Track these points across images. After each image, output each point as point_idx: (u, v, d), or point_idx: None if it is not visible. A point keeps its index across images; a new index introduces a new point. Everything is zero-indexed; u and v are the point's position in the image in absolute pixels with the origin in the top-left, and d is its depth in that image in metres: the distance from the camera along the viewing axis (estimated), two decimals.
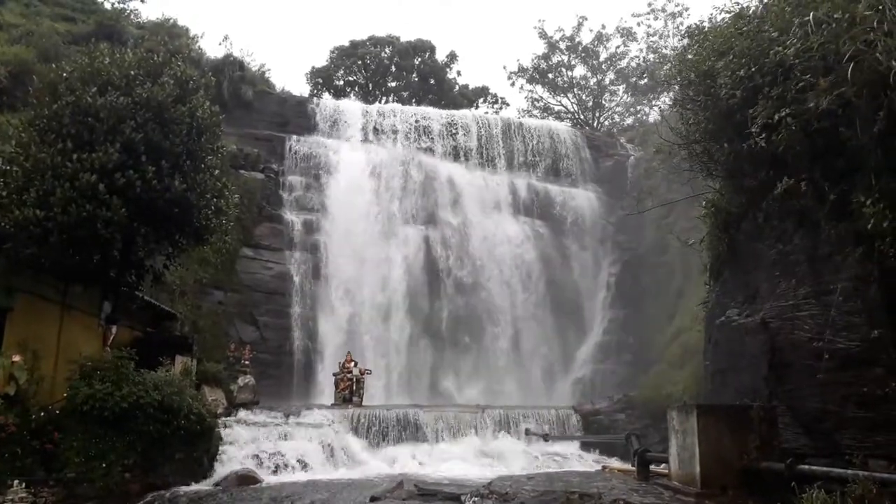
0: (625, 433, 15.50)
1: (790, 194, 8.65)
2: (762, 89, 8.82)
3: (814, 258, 8.82)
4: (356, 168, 30.15)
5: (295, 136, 30.86)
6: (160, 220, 13.83)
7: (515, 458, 17.76)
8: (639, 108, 46.76)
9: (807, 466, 7.03)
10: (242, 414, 18.08)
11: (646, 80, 43.19)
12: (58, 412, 12.40)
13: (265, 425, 17.08)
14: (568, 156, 35.03)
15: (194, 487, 12.75)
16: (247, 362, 21.39)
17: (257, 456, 15.12)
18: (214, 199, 14.54)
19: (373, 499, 10.73)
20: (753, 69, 9.06)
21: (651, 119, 41.17)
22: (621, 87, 47.78)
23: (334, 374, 22.48)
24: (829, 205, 8.11)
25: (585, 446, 19.95)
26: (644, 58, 44.40)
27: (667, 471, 8.86)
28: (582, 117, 48.19)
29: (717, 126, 10.44)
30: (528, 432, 19.95)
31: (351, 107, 34.74)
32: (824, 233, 8.39)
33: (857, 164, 7.90)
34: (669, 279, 27.78)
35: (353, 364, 22.30)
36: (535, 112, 48.86)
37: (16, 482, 11.11)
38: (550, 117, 47.18)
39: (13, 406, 11.78)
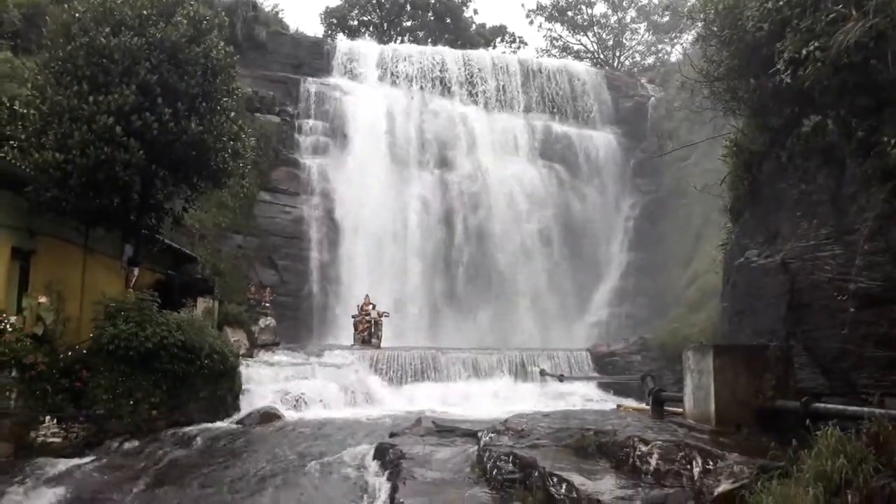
0: (640, 374, 15.66)
1: (816, 132, 8.44)
2: (790, 22, 8.50)
3: (837, 198, 8.67)
4: (372, 111, 29.87)
5: (310, 78, 30.55)
6: (178, 162, 13.87)
7: (531, 398, 18.05)
8: (660, 46, 45.67)
9: (822, 405, 7.05)
10: (264, 354, 18.50)
11: (668, 18, 41.95)
12: (85, 352, 12.72)
13: (287, 365, 17.48)
14: (587, 97, 34.39)
15: (219, 424, 13.14)
16: (267, 304, 21.75)
17: (280, 395, 15.49)
18: (231, 142, 14.51)
19: (392, 434, 11.01)
20: (782, 1, 8.72)
21: (673, 59, 40.23)
22: (642, 25, 46.55)
23: (353, 317, 22.80)
24: (855, 142, 7.91)
25: (600, 387, 20.23)
26: None
27: (681, 410, 8.95)
28: (602, 57, 47.10)
29: (742, 62, 10.12)
30: (543, 373, 20.22)
31: (366, 47, 34.19)
32: (849, 171, 8.21)
33: (886, 100, 7.67)
34: (688, 223, 27.56)
35: (371, 307, 22.58)
36: (554, 52, 47.86)
37: (48, 418, 11.54)
38: (570, 57, 46.17)
39: (41, 346, 12.12)
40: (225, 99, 14.51)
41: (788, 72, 8.47)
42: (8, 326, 11.77)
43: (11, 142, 12.69)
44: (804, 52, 8.10)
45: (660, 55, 45.29)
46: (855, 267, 8.08)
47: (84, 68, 12.93)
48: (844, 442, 5.70)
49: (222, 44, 14.50)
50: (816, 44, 7.94)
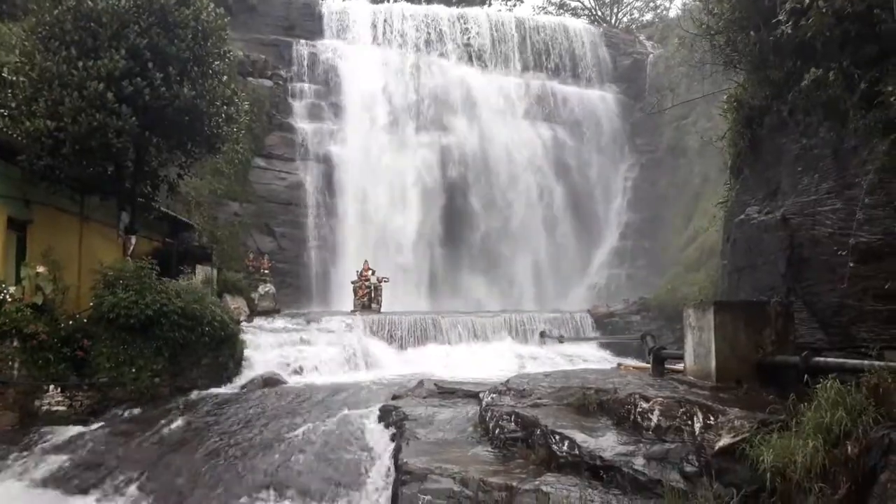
0: (640, 334, 15.73)
1: (818, 84, 8.30)
2: None
3: (838, 151, 8.58)
4: (366, 73, 29.44)
5: (302, 41, 30.06)
6: (171, 128, 13.70)
7: (531, 359, 18.15)
8: (659, 2, 44.86)
9: (822, 358, 7.08)
10: (264, 321, 18.53)
11: None
12: (85, 321, 12.75)
13: (287, 331, 17.52)
14: (585, 55, 33.93)
15: (221, 390, 13.22)
16: (266, 271, 21.75)
17: (281, 360, 15.54)
18: (224, 107, 14.33)
19: (394, 397, 11.08)
20: None
21: (671, 14, 39.54)
22: None
23: (352, 283, 22.82)
24: (858, 94, 7.79)
25: (601, 347, 20.35)
26: None
27: (682, 368, 8.99)
28: (599, 14, 46.35)
29: (743, 14, 9.94)
30: (543, 335, 20.32)
31: (359, 8, 33.53)
32: (851, 124, 8.10)
33: (889, 50, 7.54)
34: (687, 182, 27.48)
35: (370, 272, 22.58)
36: (551, 9, 47.03)
37: (51, 387, 11.61)
38: (567, 14, 45.40)
39: (41, 315, 12.12)
40: (216, 63, 14.29)
41: (790, 23, 8.32)
42: (7, 296, 11.76)
43: (2, 110, 12.55)
44: (806, 1, 7.94)
45: (658, 11, 44.59)
46: (855, 221, 8.04)
47: (72, 33, 12.70)
48: (844, 394, 5.73)
49: (212, 6, 14.22)
50: None
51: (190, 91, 13.21)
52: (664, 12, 43.32)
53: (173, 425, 10.64)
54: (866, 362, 6.27)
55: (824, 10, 7.72)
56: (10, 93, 12.72)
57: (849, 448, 5.29)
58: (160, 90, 12.87)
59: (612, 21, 45.50)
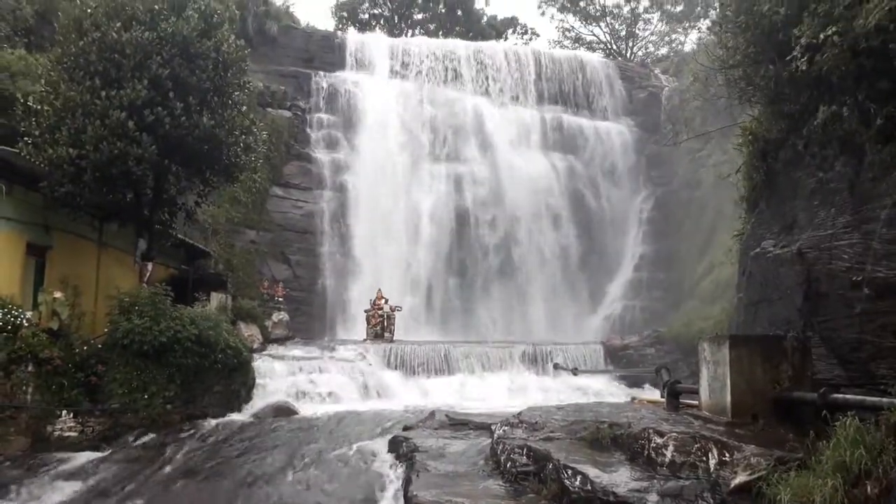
0: (654, 367, 15.55)
1: (834, 118, 8.28)
2: (808, 6, 8.33)
3: (855, 185, 8.51)
4: (383, 104, 29.81)
5: (321, 73, 30.54)
6: (190, 157, 13.91)
7: (544, 391, 17.98)
8: (674, 36, 45.24)
9: (840, 395, 6.94)
10: (277, 349, 18.56)
11: (682, 7, 41.55)
12: (100, 346, 12.82)
13: (300, 359, 17.51)
14: (600, 88, 34.14)
15: (233, 418, 13.19)
16: (280, 299, 21.84)
17: (293, 388, 15.54)
18: (243, 136, 14.54)
19: (406, 428, 10.98)
20: None
21: (686, 48, 39.80)
22: (655, 15, 46.10)
23: (365, 311, 22.82)
24: (874, 128, 7.76)
25: (614, 380, 20.13)
26: None
27: (697, 403, 8.86)
28: (615, 48, 46.75)
29: (758, 48, 9.96)
30: (556, 367, 20.15)
31: (377, 41, 34.11)
32: (868, 158, 8.05)
33: None
34: (702, 215, 27.34)
35: (383, 301, 22.59)
36: (567, 43, 47.54)
37: (64, 412, 11.63)
38: (582, 48, 45.84)
39: (57, 340, 12.20)
40: (236, 93, 14.54)
41: (805, 58, 8.32)
42: (24, 321, 11.85)
43: (26, 138, 12.79)
44: (822, 36, 7.94)
45: (673, 45, 44.94)
46: (872, 256, 7.94)
47: (96, 63, 13.00)
48: (863, 432, 5.61)
49: (233, 38, 14.52)
50: (834, 28, 7.78)
51: (209, 120, 13.43)
52: (679, 46, 43.68)
53: (184, 453, 10.61)
54: (885, 400, 6.15)
55: (839, 46, 7.73)
56: (35, 121, 13.00)
57: (868, 488, 5.17)
58: (180, 119, 13.10)
59: (628, 55, 45.88)
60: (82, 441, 11.48)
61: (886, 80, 7.73)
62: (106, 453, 10.87)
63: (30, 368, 11.47)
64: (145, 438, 11.66)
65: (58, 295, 12.75)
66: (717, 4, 11.11)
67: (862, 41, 7.54)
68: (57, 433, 11.45)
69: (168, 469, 9.93)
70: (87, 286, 13.91)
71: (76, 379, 12.09)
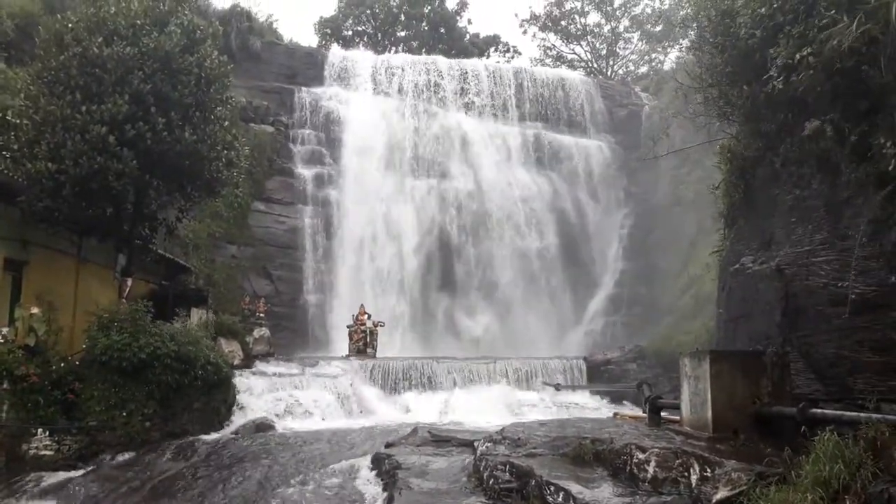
0: (636, 382, 15.60)
1: (812, 137, 8.44)
2: (783, 28, 8.52)
3: (832, 203, 8.66)
4: (366, 120, 29.85)
5: (304, 88, 30.51)
6: (171, 172, 13.84)
7: (527, 406, 17.95)
8: (654, 55, 45.83)
9: (819, 410, 7.03)
10: (259, 365, 18.36)
11: (661, 27, 42.18)
12: (78, 363, 12.64)
13: (282, 376, 17.35)
14: (581, 106, 34.47)
15: (213, 436, 13.03)
16: (262, 315, 21.63)
17: (274, 405, 15.39)
18: (225, 151, 14.50)
19: (388, 444, 10.91)
20: (775, 6, 8.74)
21: (666, 67, 40.36)
22: (636, 35, 46.70)
23: (348, 327, 22.69)
24: (849, 147, 7.91)
25: (596, 395, 20.15)
26: (659, 3, 43.28)
27: (678, 418, 8.91)
28: (595, 66, 47.26)
29: (735, 68, 10.15)
30: (540, 383, 20.14)
31: (360, 57, 34.18)
32: (844, 176, 8.21)
33: (879, 105, 7.67)
34: (682, 231, 27.57)
35: (366, 316, 22.48)
36: (548, 61, 47.99)
37: (39, 430, 11.43)
38: (563, 66, 46.32)
39: (33, 357, 12.01)
40: (219, 108, 14.51)
41: (781, 78, 8.49)
42: (0, 337, 11.67)
43: (4, 152, 12.68)
44: (797, 57, 8.12)
45: (653, 64, 45.51)
46: (850, 272, 8.07)
47: (77, 78, 12.93)
48: (842, 447, 5.67)
49: (216, 53, 14.52)
50: (809, 49, 7.96)
51: (191, 136, 13.39)
52: (659, 65, 44.25)
53: (162, 472, 10.45)
54: (863, 415, 6.23)
55: (814, 67, 7.90)
56: (14, 135, 12.87)
57: (848, 502, 5.22)
58: (162, 134, 13.05)
59: (608, 73, 46.42)
60: (58, 460, 11.29)
61: (861, 100, 7.91)
62: (82, 472, 10.70)
63: (5, 385, 11.29)
64: (123, 457, 11.49)
65: (34, 311, 12.57)
66: (694, 25, 11.27)
67: (836, 62, 7.71)
68: (32, 452, 11.25)
69: (146, 489, 9.77)
70: (66, 302, 13.72)
71: (53, 396, 11.90)
